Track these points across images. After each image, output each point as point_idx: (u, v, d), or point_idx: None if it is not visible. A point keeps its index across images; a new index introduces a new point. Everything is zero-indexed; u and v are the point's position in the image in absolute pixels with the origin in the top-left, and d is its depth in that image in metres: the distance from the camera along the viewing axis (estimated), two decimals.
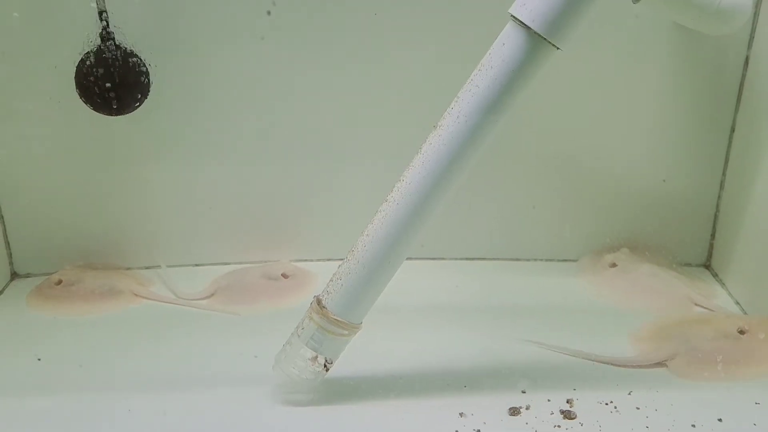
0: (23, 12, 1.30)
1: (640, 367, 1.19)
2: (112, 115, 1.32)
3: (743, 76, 1.36)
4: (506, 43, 0.95)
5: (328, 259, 1.51)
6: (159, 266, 1.49)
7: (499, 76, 0.95)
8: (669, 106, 1.40)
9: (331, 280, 1.06)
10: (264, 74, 1.38)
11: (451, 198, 1.01)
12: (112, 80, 1.29)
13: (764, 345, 1.19)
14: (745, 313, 1.34)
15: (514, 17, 0.94)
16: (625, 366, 1.18)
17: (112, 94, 1.29)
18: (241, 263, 1.52)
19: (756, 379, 1.15)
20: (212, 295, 1.42)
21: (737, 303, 1.39)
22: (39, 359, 1.23)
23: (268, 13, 1.32)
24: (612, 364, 1.18)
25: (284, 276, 1.46)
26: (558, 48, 0.94)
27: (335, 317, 1.04)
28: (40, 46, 1.32)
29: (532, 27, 0.92)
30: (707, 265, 1.52)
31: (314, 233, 1.52)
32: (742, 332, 1.22)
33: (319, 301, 1.06)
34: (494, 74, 0.95)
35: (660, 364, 1.19)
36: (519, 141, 1.42)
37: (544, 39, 0.93)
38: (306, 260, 1.53)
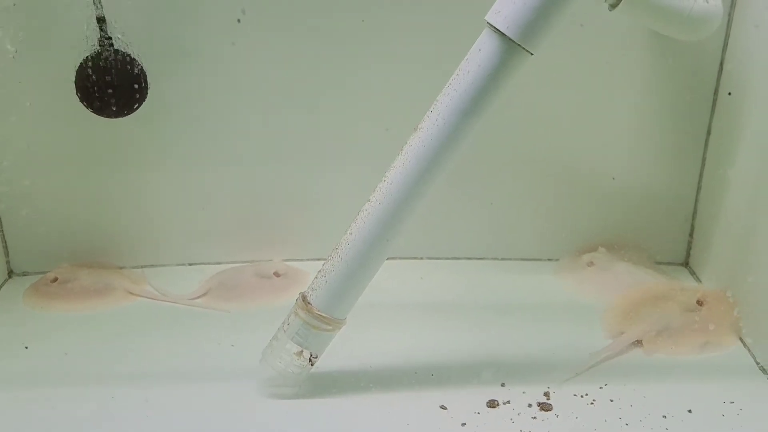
0: (24, 15, 1.31)
1: (620, 352, 1.23)
2: (111, 117, 1.33)
3: (718, 80, 1.38)
4: (482, 49, 0.98)
5: (320, 259, 1.51)
6: (152, 266, 1.51)
7: (475, 80, 0.98)
8: (647, 109, 1.42)
9: (316, 277, 1.08)
10: (256, 78, 1.39)
11: (432, 197, 1.03)
12: (111, 83, 1.30)
13: (723, 313, 1.28)
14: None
15: (489, 24, 0.97)
16: (609, 357, 1.22)
17: (111, 95, 1.30)
18: (234, 262, 1.53)
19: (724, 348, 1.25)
20: (205, 293, 1.43)
21: None
22: (26, 347, 1.26)
23: (238, 21, 1.34)
24: (603, 360, 1.21)
25: (276, 275, 1.47)
26: (531, 53, 0.97)
27: (320, 313, 1.06)
28: (40, 48, 1.33)
29: (506, 33, 0.95)
30: (686, 264, 1.54)
31: (306, 233, 1.53)
32: (700, 303, 1.29)
33: (304, 297, 1.08)
34: (471, 78, 0.98)
35: (637, 342, 1.24)
36: (500, 143, 1.43)
37: (518, 45, 0.95)
38: (298, 260, 1.53)
